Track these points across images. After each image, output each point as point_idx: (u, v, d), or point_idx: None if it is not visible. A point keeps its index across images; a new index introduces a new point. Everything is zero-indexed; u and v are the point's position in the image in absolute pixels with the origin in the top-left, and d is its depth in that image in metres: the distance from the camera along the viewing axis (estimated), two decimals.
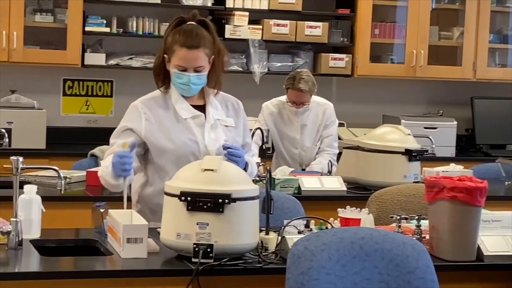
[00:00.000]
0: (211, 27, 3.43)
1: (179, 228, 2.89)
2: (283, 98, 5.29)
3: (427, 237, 3.22)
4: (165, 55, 3.40)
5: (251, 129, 3.98)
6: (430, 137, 6.20)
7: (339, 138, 5.43)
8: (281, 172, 4.82)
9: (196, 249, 2.85)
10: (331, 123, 5.32)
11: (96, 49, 6.11)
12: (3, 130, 5.59)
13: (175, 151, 3.36)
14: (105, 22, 6.04)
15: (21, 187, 3.14)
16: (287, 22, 6.35)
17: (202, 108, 3.45)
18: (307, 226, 3.20)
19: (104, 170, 3.33)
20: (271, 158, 5.40)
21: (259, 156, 4.73)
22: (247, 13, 6.27)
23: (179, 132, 3.39)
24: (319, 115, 5.30)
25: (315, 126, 5.30)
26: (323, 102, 5.34)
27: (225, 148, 3.32)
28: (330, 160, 5.07)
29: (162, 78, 3.44)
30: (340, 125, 6.18)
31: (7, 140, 5.57)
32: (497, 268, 3.15)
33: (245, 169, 3.35)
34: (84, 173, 4.62)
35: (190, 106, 3.43)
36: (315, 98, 5.30)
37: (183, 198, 2.87)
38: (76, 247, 3.22)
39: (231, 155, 3.30)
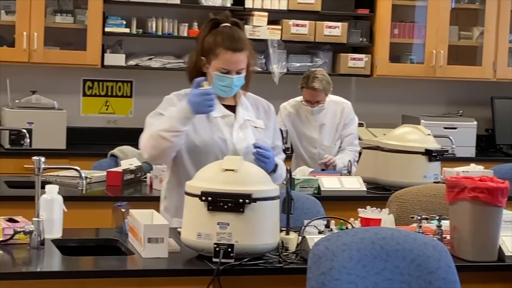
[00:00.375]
0: (243, 28, 3.48)
1: (200, 228, 2.90)
2: (300, 98, 5.30)
3: (448, 237, 3.21)
4: (202, 57, 3.41)
5: None
6: (450, 137, 6.18)
7: (359, 139, 5.42)
8: (300, 172, 4.82)
9: (217, 249, 2.85)
10: (350, 122, 5.31)
11: (115, 50, 6.14)
12: (24, 130, 5.62)
13: (203, 148, 3.38)
14: (124, 22, 6.06)
15: (42, 187, 3.15)
16: (306, 22, 6.35)
17: (232, 108, 3.48)
18: (327, 226, 3.20)
19: (162, 123, 3.31)
20: (290, 158, 5.40)
21: None
22: (266, 14, 6.28)
23: (209, 130, 3.41)
24: (337, 114, 5.30)
25: (334, 125, 5.30)
26: (341, 101, 5.34)
27: (255, 147, 3.34)
28: (350, 160, 5.07)
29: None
30: (360, 125, 6.15)
31: (28, 140, 5.59)
32: None
33: (274, 170, 3.37)
34: (104, 173, 4.63)
35: (221, 106, 3.46)
36: (332, 98, 5.30)
37: (203, 198, 2.88)
38: (98, 247, 3.23)
39: (260, 155, 3.32)
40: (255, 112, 3.52)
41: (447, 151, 5.00)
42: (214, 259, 2.86)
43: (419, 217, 3.33)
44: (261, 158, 3.31)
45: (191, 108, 3.28)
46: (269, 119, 3.55)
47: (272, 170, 3.35)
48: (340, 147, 5.31)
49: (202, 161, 3.25)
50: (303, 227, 3.11)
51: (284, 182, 3.26)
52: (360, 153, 5.12)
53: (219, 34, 3.38)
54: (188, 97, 3.31)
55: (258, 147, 3.34)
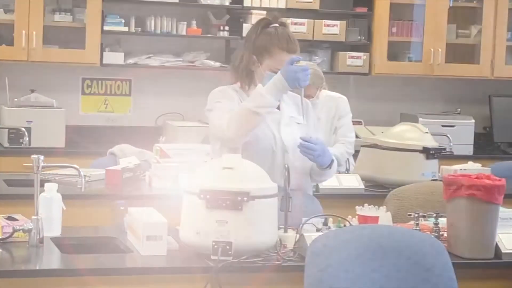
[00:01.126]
0: (289, 28, 3.57)
1: (198, 225, 2.92)
2: None
3: (445, 234, 3.23)
4: (253, 56, 3.47)
5: None
6: (448, 135, 6.19)
7: (357, 137, 5.42)
8: None
9: (215, 246, 2.87)
10: (344, 114, 5.31)
11: (114, 48, 6.14)
12: (23, 129, 5.63)
13: (255, 142, 3.43)
14: (123, 21, 6.07)
15: (41, 186, 3.17)
16: (304, 20, 6.35)
17: None
18: (325, 224, 3.21)
19: (251, 100, 3.37)
20: None
21: None
22: (264, 12, 6.26)
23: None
24: (332, 108, 5.30)
25: (329, 119, 5.29)
26: (336, 96, 5.35)
27: (303, 140, 3.40)
28: (348, 159, 5.07)
29: (245, 77, 3.52)
30: (358, 123, 6.16)
31: (27, 138, 5.61)
32: None
33: (330, 166, 3.47)
34: (103, 171, 4.64)
35: None
36: (328, 93, 5.31)
37: (202, 196, 2.89)
38: (97, 245, 3.24)
39: (305, 147, 3.39)
40: (296, 108, 3.58)
41: (444, 149, 5.01)
42: (212, 257, 2.88)
43: (416, 215, 3.34)
44: (306, 150, 3.39)
45: (289, 82, 3.35)
46: (308, 114, 3.62)
47: (327, 166, 3.45)
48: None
49: (253, 156, 3.22)
50: (301, 225, 3.12)
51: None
52: (357, 151, 5.12)
53: (274, 35, 3.45)
54: (285, 73, 3.36)
55: (305, 140, 3.39)
